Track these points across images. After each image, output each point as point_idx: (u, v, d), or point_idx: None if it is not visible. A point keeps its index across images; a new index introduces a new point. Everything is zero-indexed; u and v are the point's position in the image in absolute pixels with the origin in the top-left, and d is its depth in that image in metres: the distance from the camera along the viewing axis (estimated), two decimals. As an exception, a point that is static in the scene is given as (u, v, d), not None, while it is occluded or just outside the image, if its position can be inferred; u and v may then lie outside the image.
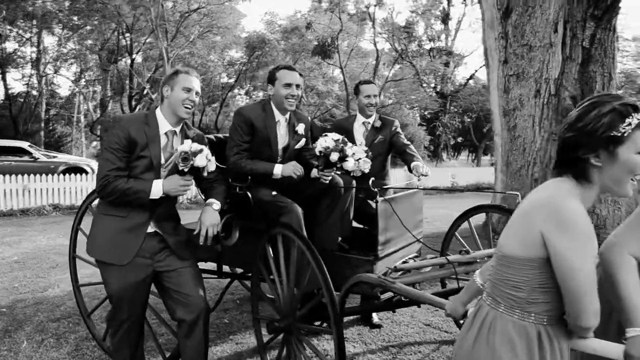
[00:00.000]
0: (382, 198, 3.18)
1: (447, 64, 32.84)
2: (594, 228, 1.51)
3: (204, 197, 3.11)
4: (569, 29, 7.06)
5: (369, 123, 4.34)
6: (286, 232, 2.97)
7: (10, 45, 30.51)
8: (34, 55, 30.19)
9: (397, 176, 12.59)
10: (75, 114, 33.71)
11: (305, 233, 3.12)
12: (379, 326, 4.33)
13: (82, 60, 31.10)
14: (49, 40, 33.08)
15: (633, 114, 1.52)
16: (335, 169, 3.28)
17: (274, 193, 3.28)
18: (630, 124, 1.52)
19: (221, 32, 29.41)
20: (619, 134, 1.52)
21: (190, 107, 2.87)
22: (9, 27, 28.00)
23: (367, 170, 3.47)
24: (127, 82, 29.68)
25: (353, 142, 4.06)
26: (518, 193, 3.46)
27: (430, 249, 3.79)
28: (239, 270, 4.14)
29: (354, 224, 3.82)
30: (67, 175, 12.69)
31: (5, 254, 7.40)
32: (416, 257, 3.70)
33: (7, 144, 15.44)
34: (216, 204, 2.97)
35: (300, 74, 3.50)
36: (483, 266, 2.00)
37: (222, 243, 3.19)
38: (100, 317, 4.46)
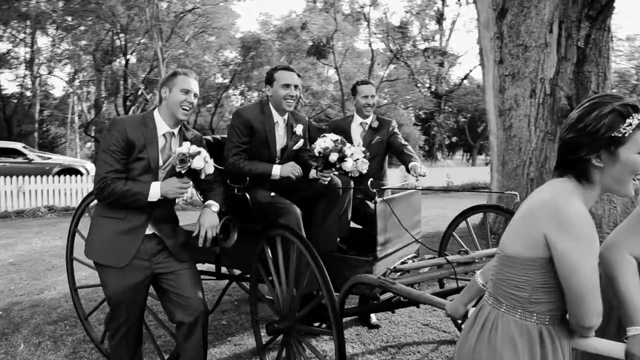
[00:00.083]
0: (380, 199, 3.18)
1: (441, 64, 32.93)
2: None
3: (202, 199, 3.10)
4: (564, 29, 7.08)
5: (367, 123, 4.34)
6: (285, 234, 2.96)
7: (3, 46, 30.51)
8: (27, 56, 30.10)
9: (392, 176, 12.59)
10: (69, 114, 33.59)
11: (304, 234, 3.12)
12: (377, 326, 4.33)
13: (76, 60, 31.01)
14: (42, 41, 33.03)
15: (633, 115, 1.53)
16: (334, 169, 3.27)
17: (272, 194, 3.28)
18: (630, 124, 1.52)
19: (216, 33, 29.39)
20: (620, 135, 1.53)
21: (188, 108, 2.87)
22: (2, 28, 27.89)
23: (364, 171, 3.47)
24: (122, 82, 29.57)
25: (350, 142, 4.06)
26: (516, 193, 3.47)
27: (429, 249, 3.80)
28: (237, 272, 4.14)
29: (352, 224, 3.82)
30: (61, 176, 12.64)
31: (0, 257, 7.36)
32: (415, 257, 3.70)
33: (1, 145, 15.37)
34: (215, 206, 2.96)
35: (299, 75, 3.50)
36: (484, 266, 2.01)
37: (221, 245, 3.19)
38: (98, 319, 4.45)
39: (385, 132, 4.31)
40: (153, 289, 3.00)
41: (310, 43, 28.60)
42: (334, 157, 3.16)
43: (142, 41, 28.97)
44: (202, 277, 3.26)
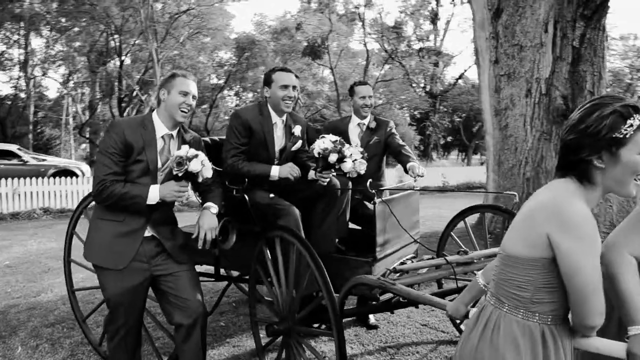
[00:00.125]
0: (379, 199, 3.19)
1: (436, 64, 32.98)
2: None
3: (200, 201, 3.10)
4: (559, 29, 7.10)
5: (364, 124, 4.35)
6: (285, 235, 2.96)
7: (-3, 48, 30.24)
8: (21, 58, 29.94)
9: (388, 176, 12.59)
10: (63, 116, 33.49)
11: (303, 235, 3.12)
12: (375, 327, 4.34)
13: (71, 62, 30.90)
14: (36, 42, 32.88)
15: (634, 116, 1.54)
16: (333, 170, 3.28)
17: (271, 195, 3.28)
18: (632, 125, 1.53)
19: (211, 34, 29.35)
20: (621, 136, 1.53)
21: (187, 111, 2.86)
22: (-4, 29, 27.77)
23: (362, 172, 3.47)
24: (117, 84, 29.48)
25: (348, 143, 4.06)
26: (515, 193, 3.48)
27: (428, 250, 3.80)
28: (235, 273, 4.13)
29: (350, 225, 3.82)
30: (57, 178, 12.59)
31: (-4, 259, 7.33)
32: (413, 257, 3.71)
33: (-4, 147, 15.31)
34: (214, 208, 2.96)
35: (297, 76, 3.50)
36: (485, 267, 2.01)
37: (220, 246, 3.18)
38: (96, 321, 4.44)
39: (382, 133, 4.31)
40: (152, 291, 2.99)
41: (305, 43, 28.60)
42: (333, 157, 3.16)
43: (136, 42, 28.88)
44: (201, 278, 3.25)
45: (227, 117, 38.81)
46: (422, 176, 3.77)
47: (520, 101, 7.45)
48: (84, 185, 12.68)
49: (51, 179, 12.57)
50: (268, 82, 3.44)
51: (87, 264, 3.37)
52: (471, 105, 33.17)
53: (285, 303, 3.01)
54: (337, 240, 3.55)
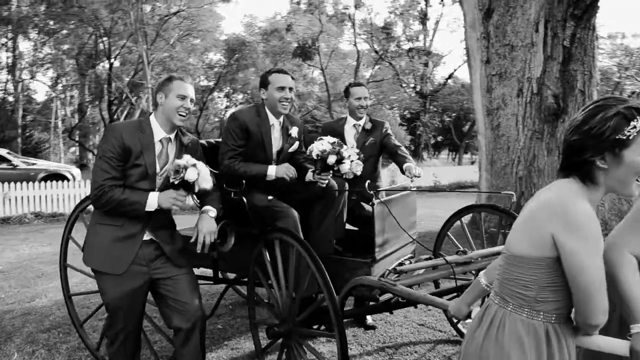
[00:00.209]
0: (378, 200, 3.20)
1: (426, 64, 33.10)
2: None
3: (199, 204, 3.09)
4: (549, 29, 7.16)
5: (360, 125, 4.36)
6: (285, 237, 2.96)
7: (-15, 52, 29.99)
8: (9, 61, 29.70)
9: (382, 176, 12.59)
10: (52, 119, 33.24)
11: (302, 237, 3.12)
12: (373, 327, 4.34)
13: (59, 65, 30.69)
14: (24, 45, 32.60)
15: (638, 117, 1.56)
16: (331, 172, 3.28)
17: (269, 198, 3.28)
18: (635, 127, 1.55)
19: (201, 35, 29.26)
20: (624, 137, 1.55)
21: (185, 114, 2.85)
22: (-17, 33, 27.54)
23: (359, 173, 3.48)
24: (106, 86, 29.31)
25: (344, 144, 4.07)
26: (513, 193, 3.50)
27: (427, 250, 3.82)
28: (231, 276, 4.12)
29: (347, 226, 3.83)
30: (47, 182, 12.49)
31: (-12, 264, 7.27)
32: (411, 257, 3.72)
33: (-15, 152, 15.17)
34: (212, 211, 2.95)
35: (293, 77, 3.51)
36: (488, 267, 2.03)
37: (218, 249, 3.18)
38: (92, 326, 4.42)
39: (378, 134, 4.33)
40: (150, 295, 2.98)
41: (295, 45, 28.60)
42: (332, 159, 3.16)
43: (126, 44, 28.73)
44: (200, 281, 3.25)
45: (217, 119, 38.77)
46: (418, 176, 3.78)
47: (512, 101, 7.50)
48: (75, 189, 12.59)
49: (42, 183, 12.47)
50: (265, 84, 3.44)
51: (83, 268, 3.36)
52: (461, 105, 33.34)
53: (285, 305, 3.01)
54: (334, 241, 3.56)
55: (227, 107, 37.20)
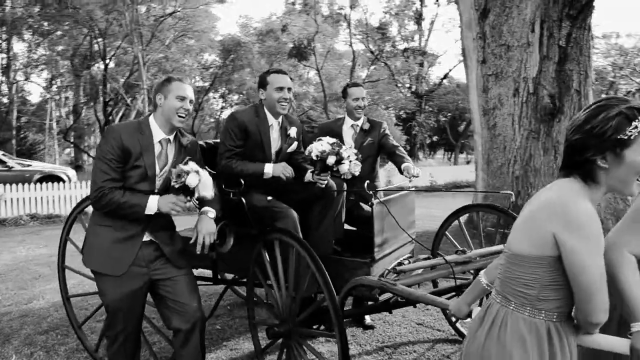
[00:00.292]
0: (377, 200, 3.20)
1: (421, 64, 33.15)
2: None
3: (198, 206, 3.08)
4: (545, 29, 7.18)
5: (358, 125, 4.36)
6: (284, 238, 2.97)
7: (-22, 53, 29.84)
8: (3, 62, 29.57)
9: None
10: (47, 121, 33.13)
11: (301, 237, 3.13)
12: (371, 327, 4.35)
13: (54, 66, 30.57)
14: (18, 47, 32.46)
15: (639, 117, 1.57)
16: (330, 172, 3.29)
17: (268, 198, 3.29)
18: (636, 127, 1.56)
19: (196, 36, 29.19)
20: (626, 137, 1.57)
21: (184, 115, 2.85)
22: (-23, 34, 27.41)
23: (357, 173, 3.48)
24: (101, 87, 29.21)
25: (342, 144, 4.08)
26: (512, 192, 3.52)
27: (426, 249, 3.83)
28: (229, 276, 4.12)
29: (345, 226, 3.84)
30: (43, 183, 12.44)
31: (-16, 267, 7.24)
32: (410, 257, 3.73)
33: (-20, 154, 15.08)
34: (211, 212, 2.95)
35: (291, 78, 3.51)
36: (488, 266, 2.03)
37: (217, 250, 3.17)
38: (90, 327, 4.41)
39: (376, 134, 4.33)
40: (149, 296, 2.98)
41: (291, 45, 28.59)
42: (331, 160, 3.17)
43: (121, 45, 28.64)
44: (199, 282, 3.25)
45: (212, 120, 38.73)
46: (417, 176, 3.79)
47: (508, 100, 7.52)
48: (71, 191, 12.54)
49: (37, 184, 12.41)
50: (263, 84, 3.44)
51: (81, 270, 3.36)
52: (457, 105, 33.40)
53: (285, 305, 3.01)
54: (333, 241, 3.56)
55: (222, 108, 37.19)
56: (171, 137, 2.90)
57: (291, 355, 3.01)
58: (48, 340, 4.28)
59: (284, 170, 3.33)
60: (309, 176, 3.37)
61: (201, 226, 2.87)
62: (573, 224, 1.53)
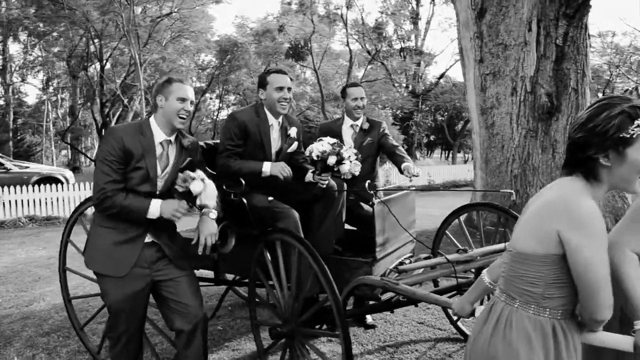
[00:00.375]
0: (378, 200, 3.21)
1: (418, 64, 33.14)
2: None
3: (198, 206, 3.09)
4: (542, 28, 7.22)
5: (357, 125, 4.37)
6: (286, 238, 2.97)
7: (-26, 55, 29.76)
8: (-1, 64, 29.52)
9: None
10: (44, 122, 33.06)
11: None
12: (373, 327, 4.36)
13: (50, 67, 30.51)
14: (14, 48, 32.37)
15: None
16: (331, 173, 3.30)
17: (270, 199, 3.29)
18: (639, 125, 1.58)
19: (193, 37, 29.10)
20: (628, 136, 1.58)
21: (185, 117, 2.84)
22: (-28, 36, 27.32)
23: (357, 173, 3.50)
24: (98, 88, 29.15)
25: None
26: (512, 191, 3.53)
27: (427, 247, 3.84)
28: (230, 277, 4.13)
29: (346, 226, 3.85)
30: (41, 185, 12.41)
31: (-17, 269, 7.23)
32: (411, 257, 3.74)
33: (-23, 156, 15.05)
34: (213, 213, 2.94)
35: (290, 78, 3.52)
36: (491, 265, 2.05)
37: (219, 251, 3.18)
38: (91, 329, 4.41)
39: (376, 134, 4.34)
40: (151, 298, 2.99)
41: (288, 45, 28.54)
42: (332, 160, 3.18)
43: (118, 46, 28.58)
44: (200, 283, 3.25)
45: (209, 121, 38.67)
46: (417, 176, 3.80)
47: (505, 99, 7.55)
48: (69, 192, 12.51)
49: (35, 186, 12.38)
50: (263, 84, 3.45)
51: (82, 271, 3.35)
52: (454, 104, 33.42)
53: (287, 305, 3.02)
54: (334, 241, 3.57)
55: (219, 108, 37.11)
56: (172, 139, 2.90)
57: (294, 355, 3.02)
58: (50, 342, 4.27)
59: (282, 169, 3.33)
60: (309, 176, 3.38)
61: (203, 227, 2.87)
62: (577, 221, 1.55)
